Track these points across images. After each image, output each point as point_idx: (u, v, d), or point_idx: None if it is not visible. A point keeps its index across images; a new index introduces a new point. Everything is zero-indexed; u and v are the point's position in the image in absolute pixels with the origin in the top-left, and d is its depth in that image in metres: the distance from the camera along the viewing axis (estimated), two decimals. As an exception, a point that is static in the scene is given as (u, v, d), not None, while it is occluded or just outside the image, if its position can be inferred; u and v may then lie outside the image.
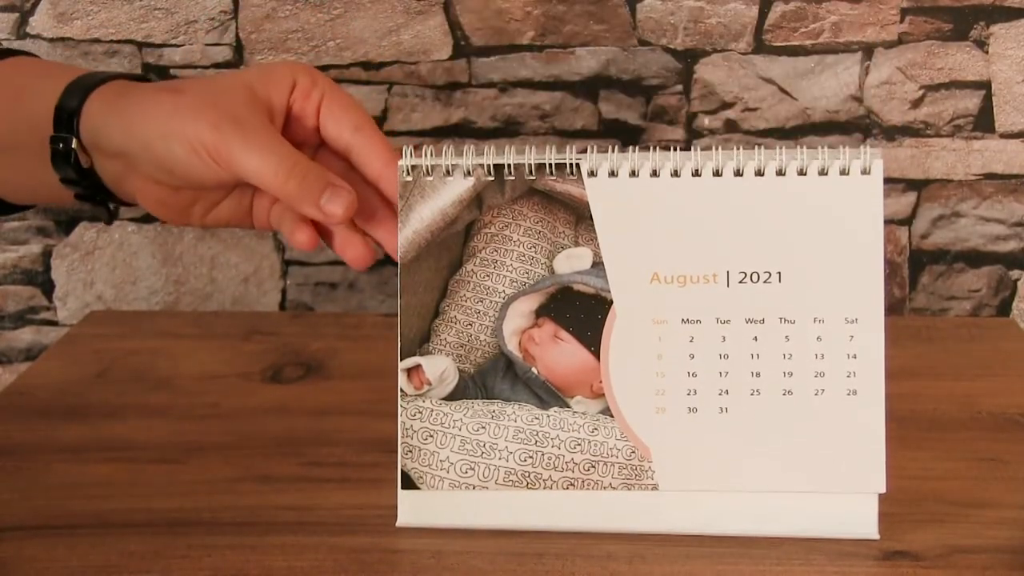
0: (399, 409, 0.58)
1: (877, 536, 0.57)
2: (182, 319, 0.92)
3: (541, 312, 0.58)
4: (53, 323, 1.03)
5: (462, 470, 0.58)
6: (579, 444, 0.57)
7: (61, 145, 0.58)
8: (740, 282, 0.56)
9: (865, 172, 0.55)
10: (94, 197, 0.61)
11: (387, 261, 1.00)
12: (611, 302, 0.57)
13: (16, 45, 0.95)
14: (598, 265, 0.57)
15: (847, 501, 0.57)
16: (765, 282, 0.56)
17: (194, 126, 0.55)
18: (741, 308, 0.56)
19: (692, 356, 0.57)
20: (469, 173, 0.57)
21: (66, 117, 0.58)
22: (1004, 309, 0.98)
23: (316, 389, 0.77)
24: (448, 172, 0.57)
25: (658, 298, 0.57)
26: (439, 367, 0.58)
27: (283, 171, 0.55)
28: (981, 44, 0.94)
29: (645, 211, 0.56)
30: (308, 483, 0.64)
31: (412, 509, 0.59)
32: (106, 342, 0.85)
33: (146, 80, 0.62)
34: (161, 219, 0.61)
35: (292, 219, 0.59)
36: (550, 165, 0.57)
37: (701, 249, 0.56)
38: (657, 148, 0.57)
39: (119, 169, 0.59)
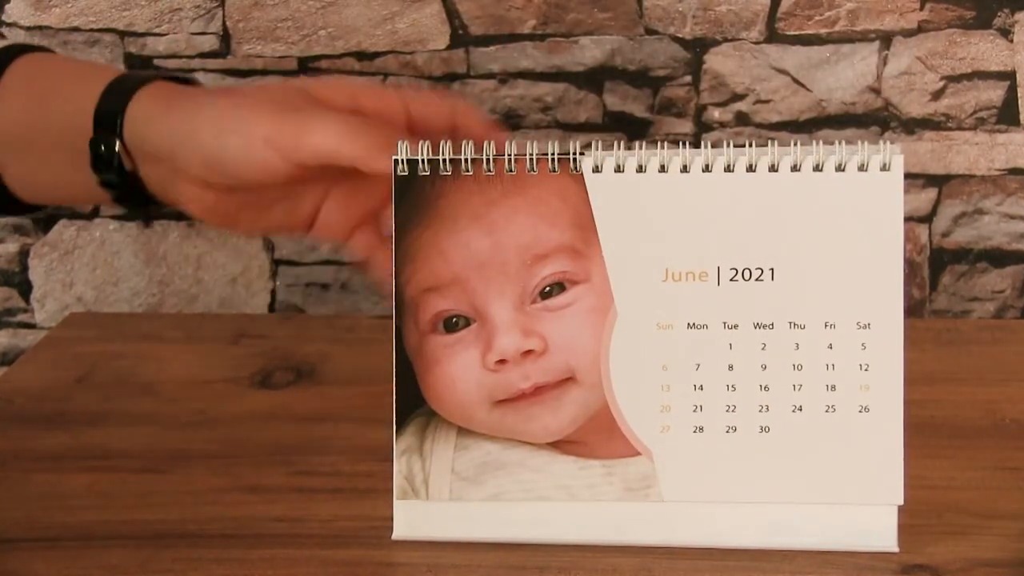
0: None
1: (896, 549, 0.57)
2: (166, 321, 0.92)
3: None
4: (31, 326, 1.04)
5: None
6: None
7: (103, 148, 0.59)
8: (748, 282, 0.56)
9: (885, 168, 0.56)
10: (134, 199, 0.62)
11: (381, 261, 1.01)
12: None
13: (-8, 34, 0.96)
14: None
15: (864, 512, 0.57)
16: (773, 282, 0.56)
17: (254, 119, 0.56)
18: (749, 312, 0.56)
19: (698, 366, 0.57)
20: (468, 168, 0.57)
21: (108, 120, 0.59)
22: (1029, 311, 0.99)
23: (307, 395, 0.77)
24: (445, 167, 0.57)
25: (664, 301, 0.57)
26: None
27: (348, 131, 0.56)
28: (1005, 32, 0.94)
29: (652, 209, 0.57)
30: (299, 493, 0.64)
31: (408, 521, 0.59)
32: (87, 346, 0.85)
33: (191, 82, 0.63)
34: (208, 224, 0.62)
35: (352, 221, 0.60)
36: (552, 159, 0.57)
37: (709, 249, 0.56)
38: (665, 142, 0.57)
39: (165, 173, 0.60)
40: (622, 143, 0.57)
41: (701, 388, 0.57)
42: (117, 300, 1.02)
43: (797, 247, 0.56)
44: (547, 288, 0.57)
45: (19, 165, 0.63)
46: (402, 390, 0.58)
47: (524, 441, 0.58)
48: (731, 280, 0.57)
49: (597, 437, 0.57)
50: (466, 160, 0.57)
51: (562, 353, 0.57)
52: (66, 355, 0.84)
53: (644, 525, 0.58)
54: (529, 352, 0.57)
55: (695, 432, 0.57)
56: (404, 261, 0.58)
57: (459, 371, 0.58)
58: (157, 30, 0.97)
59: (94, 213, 1.01)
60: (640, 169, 0.57)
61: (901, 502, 0.57)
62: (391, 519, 0.59)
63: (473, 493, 0.58)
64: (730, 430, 0.57)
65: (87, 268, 1.02)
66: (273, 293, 1.02)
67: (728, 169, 0.56)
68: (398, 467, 0.58)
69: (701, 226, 0.57)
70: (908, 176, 0.95)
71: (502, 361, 0.57)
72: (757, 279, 0.56)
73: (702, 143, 0.57)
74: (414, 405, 0.58)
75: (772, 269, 0.56)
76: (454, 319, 0.58)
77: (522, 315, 0.57)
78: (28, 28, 0.97)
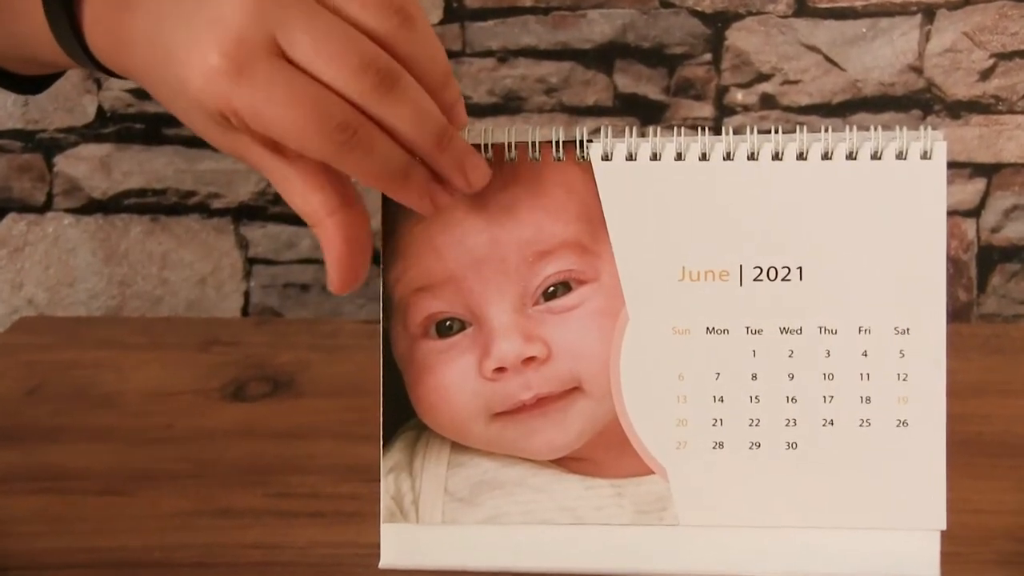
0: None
1: (938, 579, 0.57)
2: (128, 327, 0.92)
3: None
4: (-23, 331, 1.04)
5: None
6: None
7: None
8: (774, 283, 0.57)
9: (926, 156, 0.56)
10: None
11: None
12: None
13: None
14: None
15: (902, 538, 0.57)
16: (802, 282, 0.56)
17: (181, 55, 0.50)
18: (775, 315, 0.57)
19: (718, 375, 0.57)
20: (463, 156, 0.57)
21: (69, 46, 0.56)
22: (1087, 315, 0.99)
23: (285, 408, 0.77)
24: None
25: (680, 303, 0.57)
26: None
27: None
28: (1060, 6, 0.94)
29: (667, 201, 0.57)
30: (276, 517, 0.64)
31: (397, 547, 0.59)
32: (39, 353, 0.85)
33: None
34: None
35: None
36: (556, 144, 0.57)
37: (731, 246, 0.57)
38: (682, 128, 0.57)
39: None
40: (634, 128, 0.57)
41: (721, 400, 0.57)
42: (73, 303, 1.03)
43: (828, 244, 0.56)
44: (551, 288, 0.57)
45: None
46: (390, 401, 0.58)
47: (525, 458, 0.58)
48: (755, 280, 0.57)
49: (606, 454, 0.58)
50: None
51: (567, 360, 0.57)
52: (15, 364, 0.84)
53: (657, 551, 0.58)
54: (531, 359, 0.57)
55: (714, 448, 0.57)
56: (393, 258, 0.58)
57: (453, 380, 0.58)
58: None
59: (47, 206, 1.01)
60: (654, 157, 0.57)
61: (944, 527, 0.57)
62: (378, 545, 0.59)
63: (468, 516, 0.58)
64: (753, 446, 0.57)
65: (39, 267, 1.02)
66: (247, 295, 1.02)
67: (752, 157, 0.56)
68: (385, 487, 0.59)
69: (722, 220, 0.57)
70: (953, 165, 0.95)
71: (501, 369, 0.57)
72: (783, 279, 0.57)
73: (723, 128, 0.57)
74: (403, 418, 0.59)
75: (800, 268, 0.57)
76: (448, 322, 0.58)
77: (523, 318, 0.57)
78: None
